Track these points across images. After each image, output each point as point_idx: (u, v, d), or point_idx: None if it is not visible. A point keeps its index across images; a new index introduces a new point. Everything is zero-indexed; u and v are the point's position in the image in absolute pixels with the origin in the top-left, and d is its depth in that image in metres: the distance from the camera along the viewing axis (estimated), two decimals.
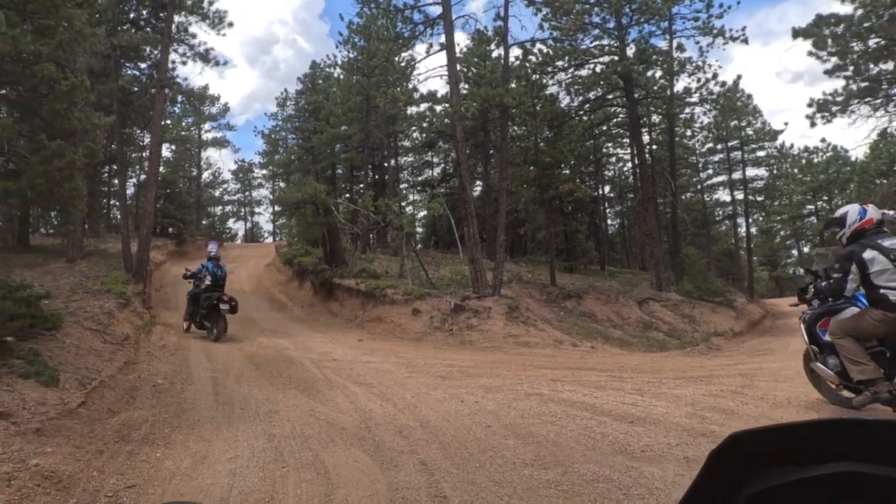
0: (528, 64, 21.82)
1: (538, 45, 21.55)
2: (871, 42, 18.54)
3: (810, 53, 19.38)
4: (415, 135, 39.68)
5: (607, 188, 42.56)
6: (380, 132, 32.59)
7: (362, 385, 7.94)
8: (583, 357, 11.64)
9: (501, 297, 15.38)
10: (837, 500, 0.74)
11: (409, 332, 14.19)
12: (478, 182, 34.95)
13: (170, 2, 16.92)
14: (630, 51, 22.58)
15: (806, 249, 50.97)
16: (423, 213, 41.11)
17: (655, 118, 30.54)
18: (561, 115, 24.62)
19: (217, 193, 53.25)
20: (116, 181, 26.55)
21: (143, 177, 30.51)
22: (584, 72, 23.79)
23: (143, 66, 22.08)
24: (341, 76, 36.60)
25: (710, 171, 41.55)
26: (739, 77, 44.46)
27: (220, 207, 55.14)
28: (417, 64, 48.01)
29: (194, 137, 46.48)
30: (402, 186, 40.42)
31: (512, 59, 19.66)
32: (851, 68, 19.25)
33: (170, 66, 18.66)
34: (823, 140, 44.54)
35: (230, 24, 18.73)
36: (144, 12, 19.14)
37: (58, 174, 6.91)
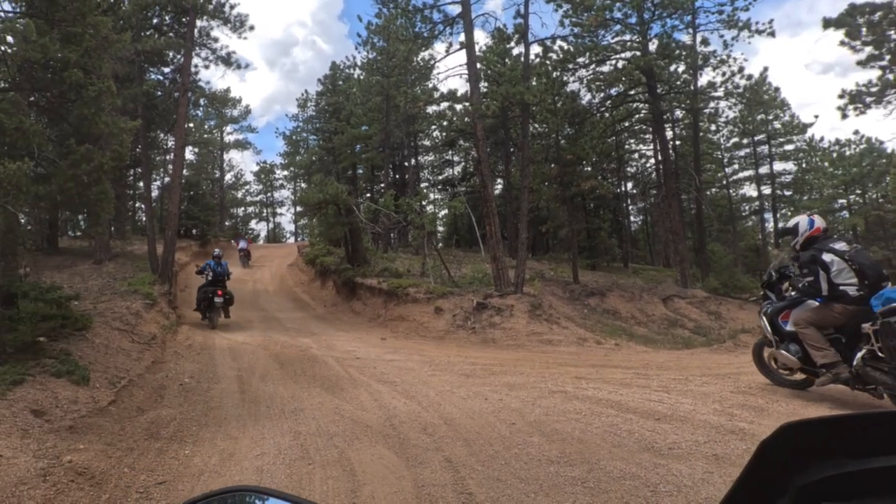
0: (548, 61, 21.70)
1: (559, 42, 21.41)
2: None
3: (842, 43, 19.00)
4: (435, 134, 39.76)
5: (630, 185, 42.16)
6: (400, 132, 32.71)
7: (386, 383, 7.96)
8: (607, 354, 11.55)
9: (524, 294, 15.32)
10: (888, 495, 0.72)
11: (431, 330, 14.21)
12: (499, 180, 34.89)
13: (192, 7, 17.14)
14: (652, 46, 22.35)
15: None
16: (444, 212, 41.14)
17: (679, 113, 30.14)
18: (582, 111, 24.45)
19: (239, 195, 53.90)
20: (142, 184, 27.02)
21: (167, 179, 30.99)
22: (605, 68, 23.58)
23: (166, 70, 22.38)
24: (361, 77, 36.78)
25: (736, 166, 40.93)
26: (766, 70, 43.77)
27: (242, 209, 55.79)
28: (437, 63, 48.03)
29: (217, 140, 47.10)
30: (422, 185, 40.46)
31: (532, 56, 19.60)
32: (888, 57, 18.82)
33: (192, 69, 18.87)
34: (856, 132, 43.43)
35: (251, 28, 18.89)
36: (167, 18, 19.38)
37: (86, 178, 7.02)
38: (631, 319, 17.55)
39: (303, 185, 47.56)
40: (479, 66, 19.51)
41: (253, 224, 56.82)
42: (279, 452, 5.07)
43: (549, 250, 35.28)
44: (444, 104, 28.58)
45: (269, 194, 57.48)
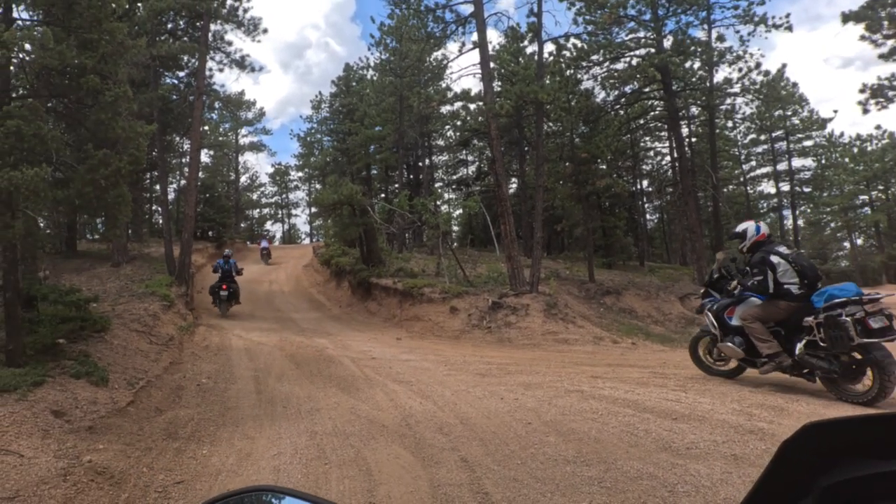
0: (562, 59, 21.59)
1: (572, 40, 21.28)
2: None
3: (863, 38, 18.70)
4: (449, 133, 39.75)
5: (645, 182, 41.88)
6: (414, 132, 32.75)
7: (402, 383, 7.98)
8: (623, 354, 11.49)
9: (539, 294, 15.27)
10: None
11: (447, 330, 14.21)
12: (513, 179, 34.81)
13: (206, 11, 17.27)
14: (667, 42, 22.14)
15: (859, 241, 49.25)
16: (458, 212, 41.17)
17: (695, 110, 29.83)
18: (596, 109, 24.30)
19: (255, 196, 54.34)
20: (158, 187, 27.30)
21: (183, 182, 31.25)
22: (619, 65, 23.40)
23: (181, 74, 22.60)
24: (374, 77, 36.89)
25: (754, 163, 40.54)
26: (784, 65, 43.30)
27: (257, 210, 56.21)
28: (450, 63, 48.14)
29: (232, 142, 47.54)
30: (437, 185, 40.50)
31: (546, 54, 19.50)
32: None
33: (207, 73, 19.02)
34: (878, 127, 42.71)
35: (265, 31, 19.02)
36: (182, 22, 19.57)
37: (104, 182, 7.10)
38: (647, 318, 17.43)
39: (317, 186, 47.84)
40: (492, 65, 19.49)
41: (268, 225, 57.36)
42: (296, 452, 5.10)
43: (565, 249, 35.16)
44: (458, 104, 28.50)
45: (283, 196, 57.93)
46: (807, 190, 40.15)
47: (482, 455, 4.75)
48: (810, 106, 42.43)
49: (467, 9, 17.46)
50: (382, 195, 37.79)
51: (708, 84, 24.96)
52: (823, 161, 40.49)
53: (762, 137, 38.08)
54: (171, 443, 5.49)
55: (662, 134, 35.04)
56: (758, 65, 23.30)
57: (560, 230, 32.04)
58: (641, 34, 22.63)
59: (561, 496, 3.84)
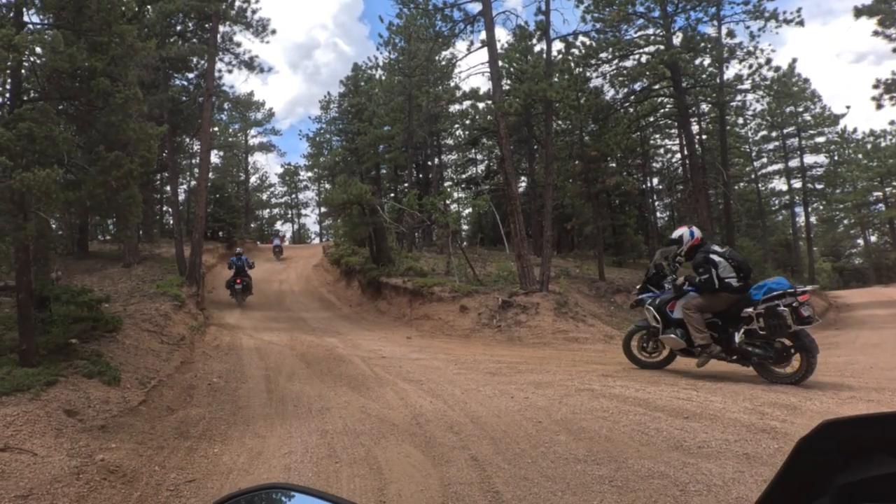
0: (570, 57, 21.51)
1: (581, 38, 21.21)
2: None
3: (876, 32, 18.49)
4: (458, 132, 39.72)
5: (655, 180, 41.60)
6: (423, 131, 32.76)
7: (412, 382, 7.98)
8: None
9: (549, 292, 15.23)
10: None
11: (457, 329, 14.20)
12: (523, 178, 34.75)
13: (215, 13, 17.35)
14: (676, 39, 22.01)
15: (873, 238, 48.74)
16: (468, 211, 41.12)
17: (705, 107, 29.63)
18: (606, 107, 24.19)
19: (265, 197, 54.54)
20: (169, 188, 27.47)
21: (193, 183, 31.40)
22: (628, 63, 23.26)
23: (190, 76, 22.72)
24: (383, 77, 36.92)
25: (765, 160, 40.18)
26: (795, 61, 42.67)
27: (267, 210, 56.43)
28: (458, 62, 48.14)
29: (241, 143, 47.72)
30: (446, 184, 40.48)
31: (554, 53, 19.44)
32: None
33: (216, 74, 19.12)
34: (892, 122, 42.24)
35: (273, 32, 19.07)
36: (190, 24, 19.65)
37: (115, 183, 7.14)
38: None
39: (327, 186, 47.90)
40: (500, 63, 19.47)
41: (278, 225, 57.47)
42: (306, 451, 5.11)
43: (575, 247, 35.03)
44: (467, 103, 28.51)
45: (293, 196, 58.09)
46: (819, 187, 39.74)
47: (492, 454, 4.74)
48: (822, 102, 42.08)
49: (475, 7, 17.49)
50: (392, 194, 37.83)
51: (718, 81, 24.78)
52: (836, 157, 40.05)
53: (773, 134, 37.72)
54: (183, 441, 5.52)
55: (672, 131, 34.80)
56: (768, 60, 23.10)
57: (570, 228, 31.95)
58: (650, 31, 22.52)
59: (572, 495, 3.82)
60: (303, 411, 6.61)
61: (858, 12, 18.37)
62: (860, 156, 41.98)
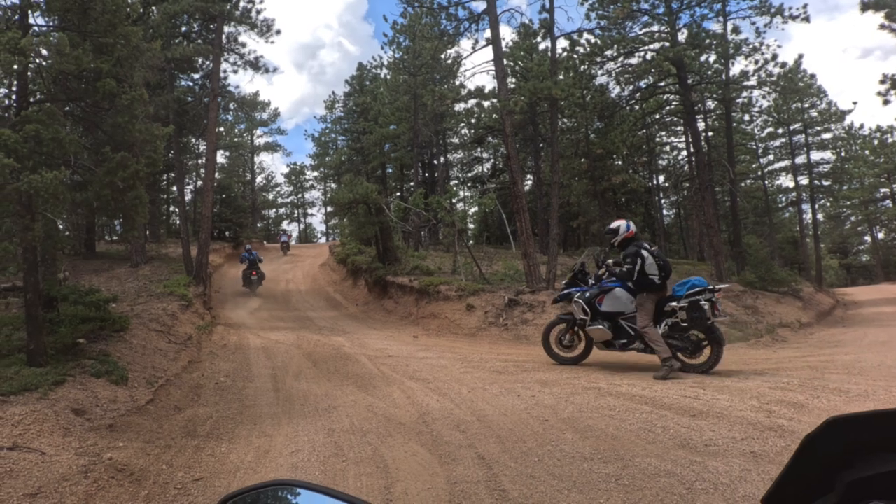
0: (575, 55, 21.47)
1: (585, 36, 21.15)
2: None
3: (882, 27, 18.36)
4: (463, 131, 39.64)
5: (662, 178, 41.49)
6: (428, 130, 32.73)
7: (418, 381, 7.99)
8: None
9: (556, 291, 15.19)
10: None
11: (463, 327, 14.20)
12: (528, 176, 34.64)
13: (219, 13, 17.37)
14: (682, 36, 21.89)
15: (881, 235, 48.44)
16: (474, 209, 41.10)
17: (710, 104, 29.50)
18: (611, 105, 24.14)
19: (271, 196, 54.66)
20: (175, 188, 27.56)
21: (200, 183, 31.56)
22: (633, 60, 23.17)
23: (196, 76, 22.75)
24: (388, 76, 36.92)
25: (771, 157, 39.88)
26: (801, 56, 42.38)
27: (273, 210, 56.55)
28: (463, 60, 48.06)
29: (247, 143, 47.85)
30: (452, 183, 40.46)
31: (559, 50, 19.41)
32: None
33: (221, 75, 19.15)
34: None
35: (278, 32, 19.04)
36: (195, 25, 19.69)
37: (122, 184, 7.17)
38: None
39: (333, 185, 48.01)
40: (505, 62, 19.44)
41: (284, 224, 57.59)
42: (313, 450, 5.13)
43: (581, 245, 34.94)
44: (472, 101, 28.52)
45: (299, 195, 58.19)
46: (826, 183, 39.41)
47: (499, 452, 4.74)
48: (829, 97, 41.75)
49: (480, 6, 17.50)
50: (398, 193, 37.87)
51: (724, 77, 24.65)
52: (843, 154, 39.70)
53: (780, 130, 37.43)
54: (190, 440, 5.55)
55: (678, 129, 34.68)
56: (774, 56, 22.95)
57: (576, 227, 31.90)
58: (655, 28, 22.40)
59: (578, 493, 3.82)
60: (310, 410, 6.63)
61: (865, 6, 18.24)
62: (867, 152, 41.67)
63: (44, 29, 7.54)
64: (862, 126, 41.38)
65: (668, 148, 40.27)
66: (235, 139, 45.20)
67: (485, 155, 42.18)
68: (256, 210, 48.71)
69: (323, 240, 54.53)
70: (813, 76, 34.35)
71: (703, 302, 7.51)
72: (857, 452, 0.74)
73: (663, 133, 37.45)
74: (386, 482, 4.27)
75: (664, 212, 43.95)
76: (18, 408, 5.32)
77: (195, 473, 4.68)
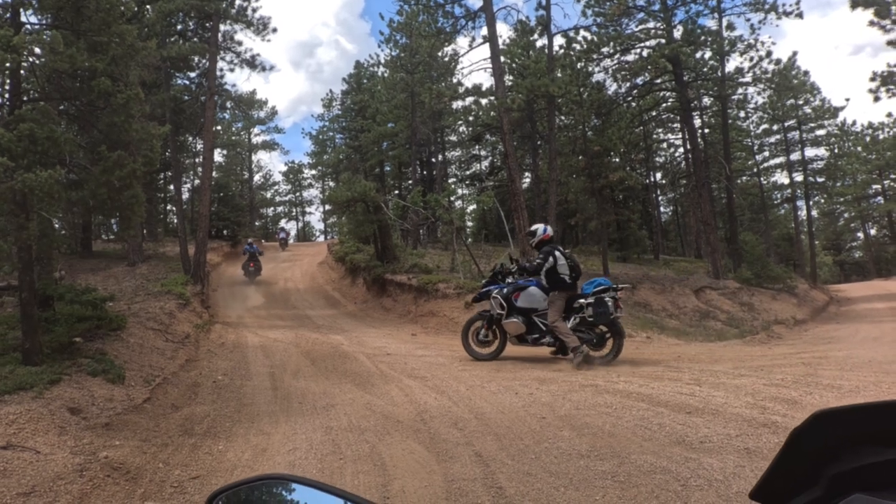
0: (572, 52, 21.48)
1: (582, 33, 21.18)
2: None
3: (872, 23, 18.40)
4: (461, 129, 39.61)
5: (659, 175, 41.56)
6: (426, 128, 32.72)
7: (417, 378, 7.99)
8: (638, 347, 11.42)
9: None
10: None
11: (462, 325, 14.18)
12: (526, 174, 34.67)
13: (215, 11, 17.32)
14: (677, 32, 21.97)
15: (873, 231, 48.59)
16: (472, 207, 41.11)
17: (707, 101, 29.59)
18: (608, 102, 24.15)
19: (269, 195, 54.61)
20: (172, 187, 27.51)
21: (197, 182, 31.49)
22: (630, 57, 23.24)
23: (192, 75, 22.60)
24: (385, 74, 36.88)
25: (767, 154, 40.05)
26: (795, 53, 42.49)
27: (272, 209, 56.49)
28: (461, 58, 47.98)
29: (244, 142, 47.74)
30: (450, 181, 40.46)
31: (556, 48, 19.44)
32: None
33: (218, 73, 19.08)
34: (890, 115, 41.89)
35: (274, 30, 18.99)
36: (191, 23, 19.60)
37: (118, 183, 7.16)
38: (662, 312, 17.31)
39: (331, 183, 47.96)
40: (502, 59, 19.43)
41: (283, 223, 57.52)
42: (311, 447, 5.13)
43: (579, 243, 35.00)
44: (470, 99, 28.40)
45: (297, 194, 58.10)
46: (820, 180, 39.57)
47: (496, 450, 4.75)
48: (822, 94, 41.83)
49: (476, 3, 17.51)
50: (396, 191, 37.84)
51: (719, 74, 24.70)
52: (836, 150, 39.87)
53: (775, 127, 37.55)
54: (188, 439, 5.55)
55: (675, 125, 34.77)
56: (769, 53, 23.12)
57: (574, 224, 31.90)
58: (651, 25, 22.48)
59: (574, 490, 3.83)
60: (307, 408, 6.63)
61: (855, 3, 18.24)
62: (859, 148, 41.81)
63: (37, 27, 7.51)
64: (854, 123, 41.69)
65: (665, 145, 40.40)
66: (233, 138, 45.10)
67: (483, 153, 42.18)
68: (254, 209, 48.65)
69: (321, 238, 54.47)
70: (807, 73, 34.47)
71: (607, 299, 8.34)
72: (843, 445, 0.74)
73: (660, 130, 37.54)
74: (383, 480, 4.28)
75: (661, 209, 44.05)
76: (13, 407, 5.32)
77: (192, 472, 4.68)
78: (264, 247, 34.41)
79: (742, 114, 34.80)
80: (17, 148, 6.12)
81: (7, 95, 7.18)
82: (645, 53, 22.55)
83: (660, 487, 3.77)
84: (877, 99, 19.79)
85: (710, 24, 23.94)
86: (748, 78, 24.36)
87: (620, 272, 21.65)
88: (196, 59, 20.39)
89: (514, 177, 17.08)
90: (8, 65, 6.38)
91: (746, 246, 24.15)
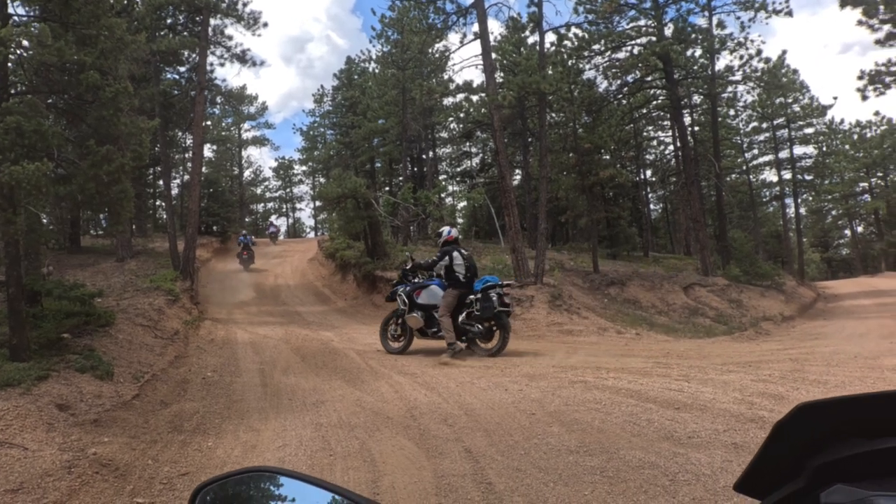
0: (563, 49, 21.46)
1: (573, 30, 21.15)
2: None
3: (860, 22, 18.56)
4: (452, 125, 39.59)
5: (649, 172, 41.70)
6: (417, 124, 32.64)
7: (406, 375, 8.00)
8: (627, 344, 11.49)
9: (544, 285, 15.27)
10: None
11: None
12: (517, 170, 34.68)
13: (205, 6, 17.20)
14: (668, 30, 22.04)
15: (860, 229, 49.05)
16: (462, 204, 41.14)
17: (697, 98, 29.72)
18: (599, 99, 24.19)
19: (259, 191, 54.36)
20: (162, 182, 27.32)
21: (187, 177, 31.24)
22: (621, 54, 23.27)
23: (182, 69, 22.39)
24: (376, 70, 36.79)
25: (756, 151, 40.29)
26: (784, 52, 42.61)
27: (262, 204, 56.21)
28: (452, 54, 48.13)
29: (235, 137, 47.47)
30: (440, 177, 40.43)
31: (547, 45, 19.40)
32: None
33: (208, 68, 18.93)
34: (877, 113, 42.21)
35: (265, 25, 18.85)
36: (181, 17, 19.43)
37: (107, 178, 7.10)
38: (651, 308, 17.41)
39: (321, 179, 47.80)
40: (494, 56, 19.41)
41: (273, 219, 57.25)
42: (301, 444, 5.13)
43: (569, 240, 35.09)
44: (461, 95, 28.58)
45: (288, 190, 57.83)
46: (808, 178, 39.91)
47: (486, 446, 4.76)
48: (811, 93, 42.00)
49: None
50: (387, 188, 37.82)
51: (709, 72, 24.82)
52: (824, 148, 40.22)
53: (764, 125, 37.79)
54: (177, 435, 5.53)
55: (665, 123, 34.87)
56: (759, 52, 23.25)
57: (564, 221, 31.98)
58: (642, 22, 22.53)
59: (563, 486, 3.85)
60: (297, 405, 6.63)
61: (844, 2, 18.39)
62: (847, 146, 42.20)
63: (24, 19, 7.44)
64: (842, 121, 42.02)
65: (655, 143, 40.55)
66: (223, 133, 44.83)
67: (473, 150, 42.15)
68: (244, 204, 48.41)
69: (312, 234, 54.28)
70: (796, 71, 34.72)
71: (493, 295, 9.05)
72: (825, 437, 0.75)
73: (650, 128, 37.66)
74: (373, 476, 4.29)
75: (651, 206, 44.22)
76: (0, 403, 5.28)
77: (181, 468, 4.67)
78: (256, 242, 34.48)
79: (732, 112, 35.06)
80: (3, 141, 6.06)
81: None
82: (636, 51, 22.59)
83: (648, 482, 3.80)
84: (864, 97, 19.95)
85: (701, 22, 24.03)
86: (738, 76, 24.52)
87: (610, 269, 21.73)
88: (186, 53, 20.26)
89: (504, 173, 17.08)
90: None
91: (735, 243, 24.32)
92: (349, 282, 21.71)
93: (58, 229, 20.47)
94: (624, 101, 26.33)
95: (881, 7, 17.99)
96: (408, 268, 10.51)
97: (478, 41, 16.84)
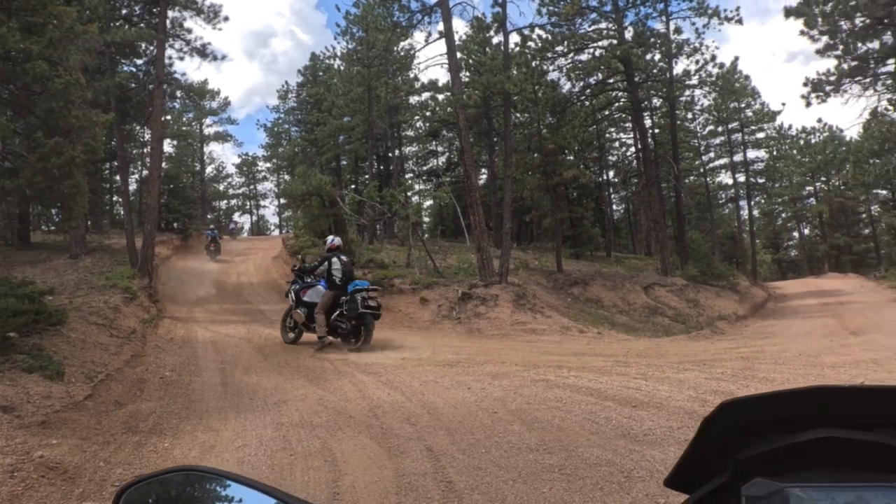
0: (527, 50, 21.67)
1: (537, 31, 21.34)
2: (858, 21, 18.48)
3: (802, 33, 19.29)
4: (418, 124, 39.53)
5: (611, 173, 42.35)
6: (383, 122, 32.53)
7: (370, 374, 8.02)
8: (589, 343, 11.70)
9: (508, 284, 15.42)
10: (816, 466, 0.76)
11: (417, 321, 14.26)
12: (483, 170, 34.84)
13: None
14: (628, 34, 22.50)
15: (806, 231, 50.76)
16: (429, 203, 41.13)
17: (657, 101, 30.38)
18: (563, 100, 24.47)
19: (221, 188, 53.29)
20: (119, 177, 26.67)
21: (145, 173, 30.56)
22: (583, 56, 23.63)
23: (139, 62, 21.81)
24: (342, 67, 36.48)
25: (712, 154, 41.37)
26: (737, 58, 43.68)
27: (225, 201, 55.20)
28: (417, 53, 47.81)
29: (196, 132, 46.47)
30: (407, 176, 40.34)
31: (511, 45, 19.56)
32: (841, 47, 19.18)
33: (167, 61, 18.50)
34: (820, 120, 43.86)
35: (226, 19, 18.45)
36: (137, 8, 18.93)
37: (57, 171, 6.92)
38: (613, 308, 17.74)
39: (286, 177, 47.18)
40: (459, 55, 19.47)
41: (236, 217, 56.26)
42: (261, 444, 5.11)
43: (534, 240, 35.39)
44: (426, 94, 28.47)
45: (251, 187, 56.91)
46: (761, 181, 41.20)
47: (447, 444, 4.84)
48: (762, 98, 43.31)
49: None
50: (352, 186, 37.56)
51: (668, 76, 25.40)
52: (775, 152, 41.49)
53: (719, 129, 38.87)
54: (131, 436, 5.42)
55: (627, 125, 35.55)
56: (713, 57, 24.00)
57: (529, 221, 32.29)
58: (603, 25, 22.94)
59: (522, 483, 3.95)
60: (258, 404, 6.59)
61: (788, 13, 19.12)
62: (795, 151, 43.62)
63: None
64: (791, 127, 43.26)
65: (617, 144, 41.24)
66: (183, 128, 43.86)
67: (440, 149, 42.20)
68: (206, 201, 47.45)
69: (276, 232, 53.54)
70: (748, 77, 35.84)
71: (358, 297, 10.01)
72: (748, 433, 0.79)
73: (612, 129, 38.31)
74: (334, 475, 4.31)
75: (614, 207, 44.91)
76: None
77: (135, 470, 4.56)
78: (222, 236, 34.09)
79: (689, 115, 35.92)
80: None
81: None
82: (598, 53, 22.98)
83: (604, 479, 3.92)
84: (808, 104, 20.67)
85: (659, 26, 24.58)
86: (694, 80, 25.16)
87: (574, 269, 22.04)
88: (143, 45, 19.77)
89: (470, 173, 17.19)
90: None
91: (693, 244, 24.90)
92: None
93: (4, 224, 19.77)
94: (587, 103, 26.73)
95: (819, 19, 18.70)
96: (295, 269, 11.60)
97: (443, 40, 16.92)
